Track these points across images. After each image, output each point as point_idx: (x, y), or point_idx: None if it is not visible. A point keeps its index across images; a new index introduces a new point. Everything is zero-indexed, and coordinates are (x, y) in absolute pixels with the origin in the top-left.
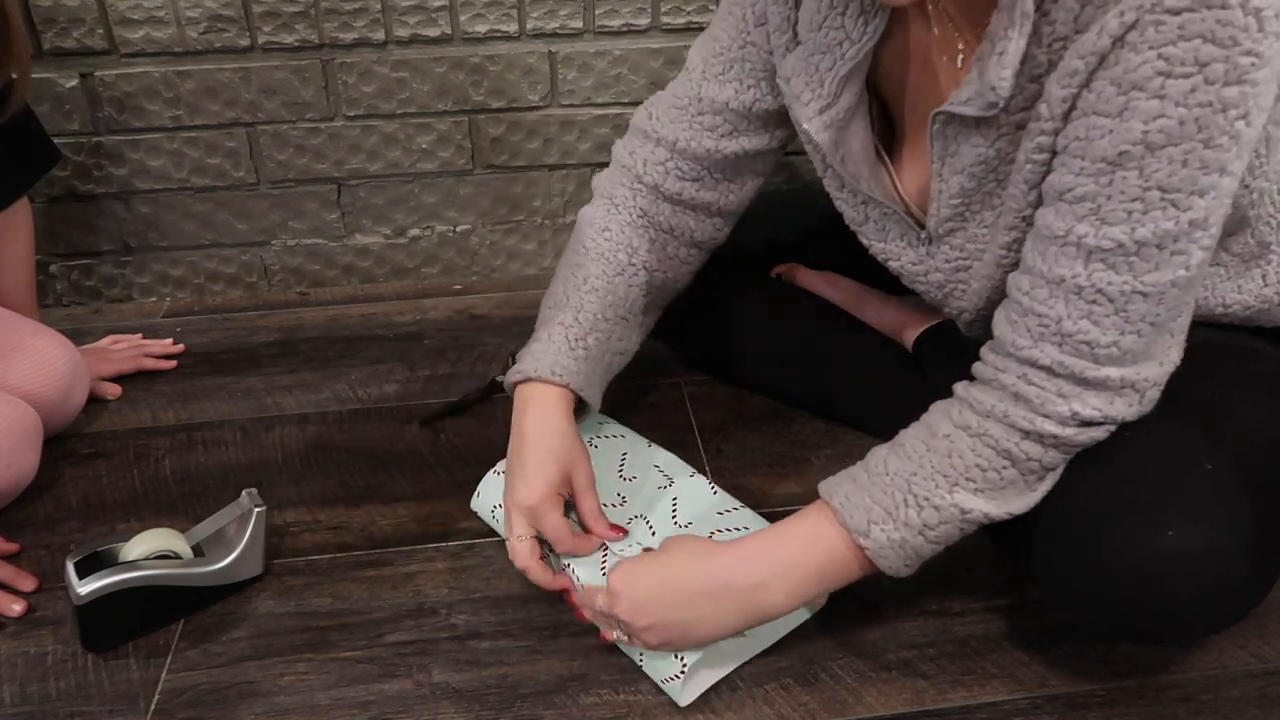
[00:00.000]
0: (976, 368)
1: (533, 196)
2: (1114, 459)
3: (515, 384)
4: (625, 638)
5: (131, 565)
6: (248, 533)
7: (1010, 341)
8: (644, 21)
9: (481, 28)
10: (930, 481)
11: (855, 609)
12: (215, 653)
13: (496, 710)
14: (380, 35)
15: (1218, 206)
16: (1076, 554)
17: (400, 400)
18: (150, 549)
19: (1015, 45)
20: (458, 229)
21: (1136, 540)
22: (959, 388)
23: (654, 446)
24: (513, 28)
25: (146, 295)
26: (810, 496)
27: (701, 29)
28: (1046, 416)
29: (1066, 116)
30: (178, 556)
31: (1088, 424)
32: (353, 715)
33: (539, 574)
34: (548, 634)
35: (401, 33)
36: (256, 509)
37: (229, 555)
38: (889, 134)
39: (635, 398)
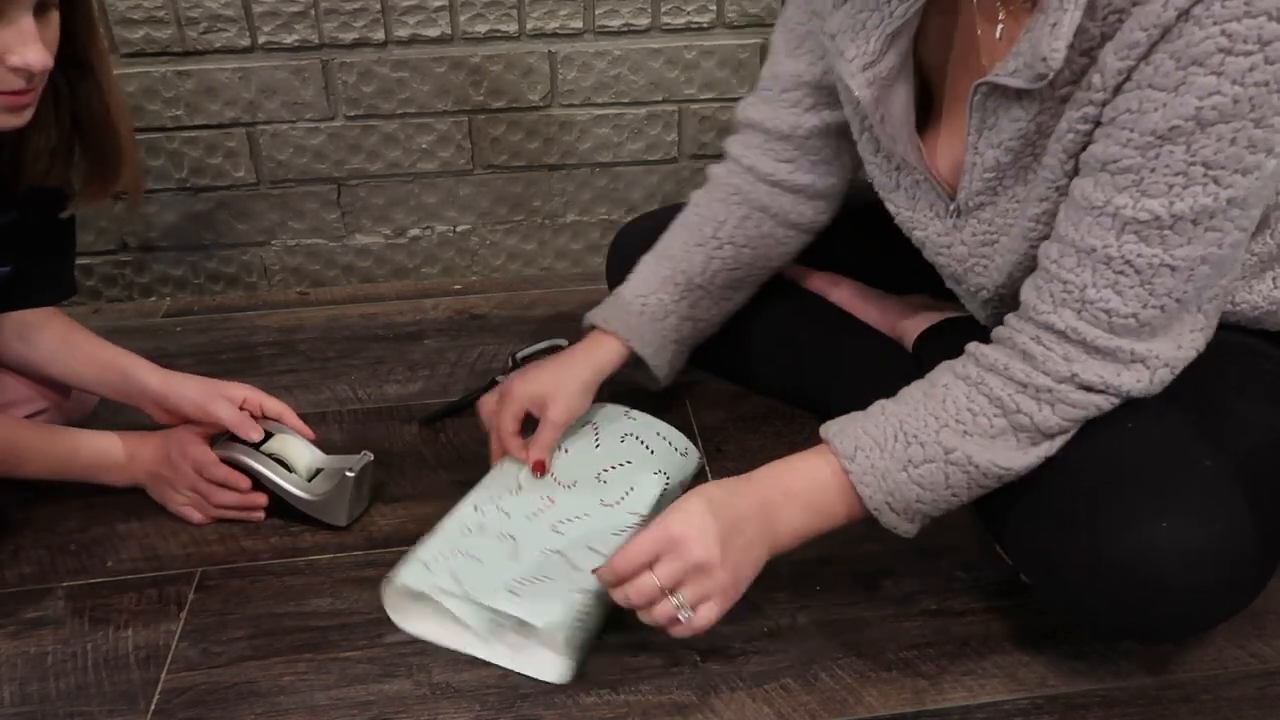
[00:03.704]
0: (995, 330)
1: (533, 196)
2: (1113, 453)
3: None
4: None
5: (255, 454)
6: (334, 485)
7: (1032, 306)
8: (644, 21)
9: (481, 28)
10: (920, 421)
11: (855, 609)
12: (215, 653)
13: (496, 710)
14: (380, 35)
15: (1259, 186)
16: (1073, 546)
17: (400, 400)
18: (276, 450)
19: (1070, 17)
20: (458, 229)
21: (1133, 533)
22: (970, 346)
23: (654, 459)
24: (513, 28)
25: (146, 295)
26: None
27: (701, 29)
28: (1045, 373)
29: (1119, 89)
30: (290, 469)
31: (1087, 388)
32: (353, 715)
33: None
34: None
35: (401, 33)
36: (347, 472)
37: (316, 493)
38: (925, 110)
39: (636, 398)
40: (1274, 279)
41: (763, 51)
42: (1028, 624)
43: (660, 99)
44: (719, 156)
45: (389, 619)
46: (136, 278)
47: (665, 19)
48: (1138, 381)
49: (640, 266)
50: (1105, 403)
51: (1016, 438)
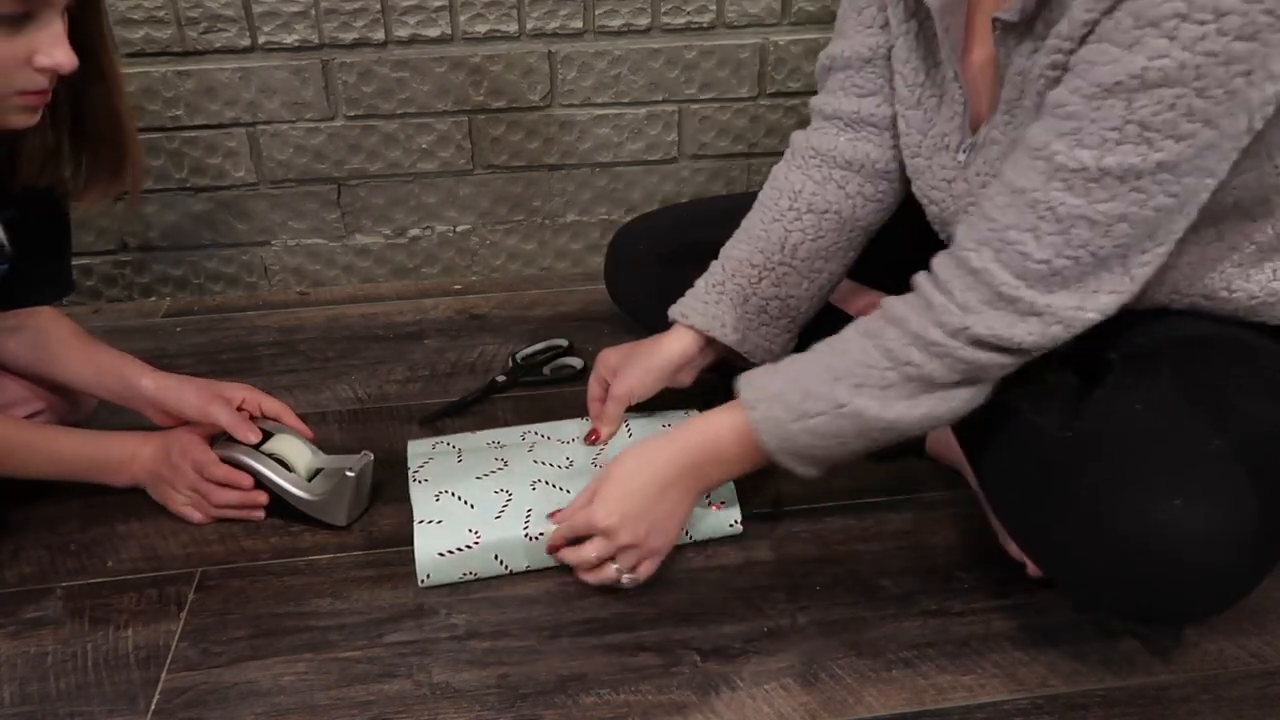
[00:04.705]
0: (914, 276)
1: (533, 196)
2: (1122, 435)
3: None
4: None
5: (256, 454)
6: (334, 485)
7: (959, 240)
8: (644, 21)
9: (481, 28)
10: (817, 375)
11: (855, 609)
12: (215, 653)
13: (496, 710)
14: (380, 35)
15: (1192, 155)
16: (1087, 528)
17: (400, 400)
18: (276, 450)
19: None
20: (458, 229)
21: (1147, 512)
22: (884, 298)
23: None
24: (513, 28)
25: (146, 295)
26: (806, 492)
27: (701, 29)
28: (939, 326)
29: (1084, 40)
30: (290, 469)
31: (977, 343)
32: (353, 715)
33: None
34: (548, 634)
35: (401, 33)
36: (348, 472)
37: (316, 493)
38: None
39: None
40: (1274, 270)
41: (762, 52)
42: (1028, 624)
43: (660, 99)
44: (718, 156)
45: (389, 619)
46: (136, 278)
47: (665, 19)
48: (1029, 334)
49: (723, 250)
50: (989, 360)
51: (907, 387)
